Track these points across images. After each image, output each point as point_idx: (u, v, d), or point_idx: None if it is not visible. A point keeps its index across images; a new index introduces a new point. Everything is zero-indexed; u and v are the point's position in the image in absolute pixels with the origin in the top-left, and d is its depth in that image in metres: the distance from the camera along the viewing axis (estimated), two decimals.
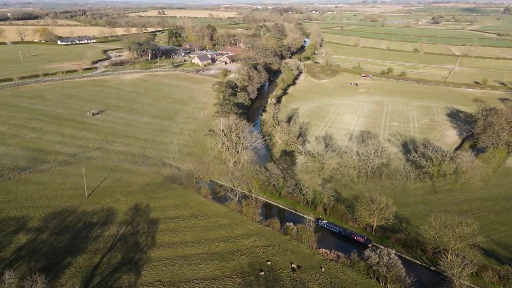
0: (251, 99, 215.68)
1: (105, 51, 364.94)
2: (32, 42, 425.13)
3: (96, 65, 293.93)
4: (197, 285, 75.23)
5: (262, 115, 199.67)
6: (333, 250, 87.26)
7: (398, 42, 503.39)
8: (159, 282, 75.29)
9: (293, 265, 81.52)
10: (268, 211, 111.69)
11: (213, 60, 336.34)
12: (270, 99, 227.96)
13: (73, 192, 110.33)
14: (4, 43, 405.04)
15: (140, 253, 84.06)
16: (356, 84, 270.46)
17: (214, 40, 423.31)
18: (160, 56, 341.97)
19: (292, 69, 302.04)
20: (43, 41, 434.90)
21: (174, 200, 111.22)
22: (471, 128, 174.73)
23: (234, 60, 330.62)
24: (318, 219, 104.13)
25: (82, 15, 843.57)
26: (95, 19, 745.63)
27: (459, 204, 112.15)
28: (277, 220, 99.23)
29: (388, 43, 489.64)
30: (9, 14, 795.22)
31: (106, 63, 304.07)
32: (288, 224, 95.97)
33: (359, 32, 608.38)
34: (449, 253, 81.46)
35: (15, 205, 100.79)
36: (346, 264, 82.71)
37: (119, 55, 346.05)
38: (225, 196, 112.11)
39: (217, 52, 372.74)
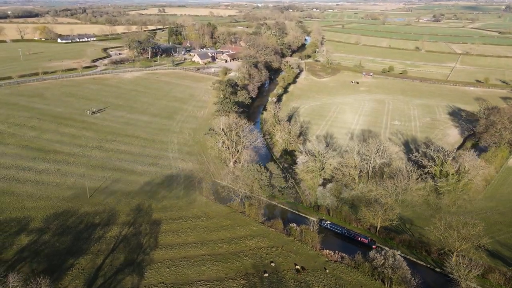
0: (251, 97, 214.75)
1: (105, 49, 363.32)
2: (32, 40, 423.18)
3: (96, 64, 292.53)
4: (200, 286, 74.75)
5: (262, 113, 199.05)
6: (337, 251, 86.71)
7: (399, 40, 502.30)
8: (162, 284, 74.79)
9: (297, 267, 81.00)
10: (270, 211, 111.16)
11: (214, 58, 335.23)
12: (270, 97, 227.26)
13: (74, 192, 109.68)
14: (4, 41, 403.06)
15: (143, 254, 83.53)
16: (357, 83, 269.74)
17: (215, 38, 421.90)
18: (161, 54, 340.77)
19: (292, 68, 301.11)
20: (43, 39, 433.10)
21: (175, 200, 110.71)
22: (473, 127, 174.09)
23: (235, 58, 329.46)
24: (321, 220, 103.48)
25: (83, 13, 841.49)
26: (95, 17, 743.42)
27: (462, 205, 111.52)
28: (280, 221, 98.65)
29: (389, 41, 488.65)
30: (9, 12, 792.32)
31: (106, 61, 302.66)
32: (291, 225, 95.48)
33: (360, 30, 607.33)
34: (454, 254, 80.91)
35: (16, 206, 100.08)
36: (350, 266, 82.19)
37: (119, 53, 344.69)
38: (227, 196, 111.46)
39: (218, 50, 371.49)
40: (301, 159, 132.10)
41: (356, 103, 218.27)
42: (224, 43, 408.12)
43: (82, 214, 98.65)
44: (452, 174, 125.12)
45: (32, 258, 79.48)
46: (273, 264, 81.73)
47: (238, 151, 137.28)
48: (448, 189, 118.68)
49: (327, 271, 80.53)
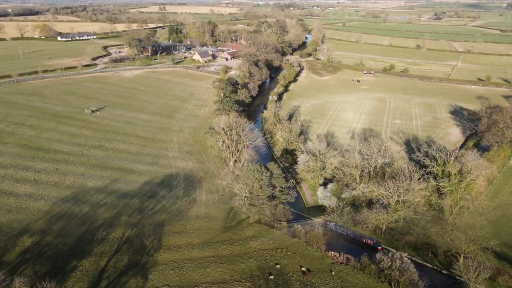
0: (252, 96, 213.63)
1: (105, 47, 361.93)
2: (32, 38, 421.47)
3: (96, 62, 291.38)
4: None
5: (263, 112, 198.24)
6: (342, 253, 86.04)
7: (400, 38, 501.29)
8: (167, 286, 74.03)
9: (303, 269, 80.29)
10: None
11: (214, 57, 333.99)
12: (271, 96, 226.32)
13: (73, 192, 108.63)
14: (4, 39, 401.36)
15: (146, 256, 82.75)
16: (358, 81, 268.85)
17: (215, 36, 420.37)
18: (161, 53, 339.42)
19: (293, 66, 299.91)
20: (43, 37, 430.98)
21: (176, 200, 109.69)
22: (475, 126, 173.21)
23: (235, 57, 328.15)
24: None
25: (83, 11, 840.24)
26: (95, 15, 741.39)
27: (465, 205, 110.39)
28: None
29: (390, 39, 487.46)
30: (9, 10, 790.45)
31: (106, 59, 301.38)
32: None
33: (361, 28, 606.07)
34: (462, 256, 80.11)
35: (16, 206, 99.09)
36: (356, 268, 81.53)
37: (119, 52, 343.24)
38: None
39: (218, 48, 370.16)
40: (301, 158, 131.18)
41: (357, 101, 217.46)
42: (224, 41, 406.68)
43: (84, 215, 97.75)
44: (455, 174, 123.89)
45: (35, 260, 78.63)
46: (278, 266, 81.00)
47: (238, 151, 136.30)
48: (450, 189, 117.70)
49: (333, 273, 79.88)
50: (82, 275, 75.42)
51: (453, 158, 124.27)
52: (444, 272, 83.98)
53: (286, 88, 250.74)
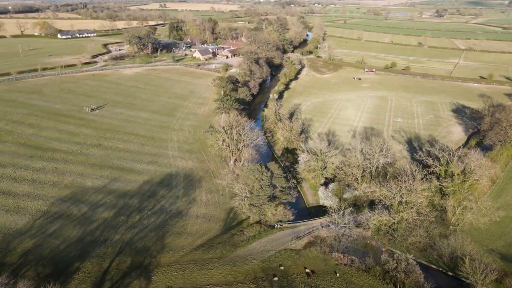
0: (252, 94, 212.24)
1: (105, 45, 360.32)
2: (32, 36, 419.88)
3: (96, 59, 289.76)
4: None
5: (263, 111, 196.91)
6: (346, 254, 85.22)
7: (401, 35, 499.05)
8: None
9: (307, 270, 79.43)
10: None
11: (214, 54, 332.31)
12: (272, 94, 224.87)
13: (71, 191, 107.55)
14: (4, 37, 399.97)
15: (149, 257, 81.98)
16: (359, 79, 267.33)
17: (216, 33, 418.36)
18: (161, 50, 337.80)
19: (294, 64, 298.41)
20: (43, 34, 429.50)
21: (176, 200, 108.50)
22: (477, 125, 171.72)
23: (236, 54, 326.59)
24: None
25: (83, 8, 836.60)
26: (96, 12, 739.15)
27: (468, 206, 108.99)
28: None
29: (391, 37, 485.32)
30: (10, 7, 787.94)
31: (106, 57, 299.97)
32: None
33: (362, 26, 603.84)
34: (468, 258, 78.82)
35: (15, 206, 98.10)
36: (361, 269, 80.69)
37: (119, 49, 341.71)
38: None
39: (219, 46, 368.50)
40: (302, 157, 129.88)
41: (358, 99, 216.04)
42: (225, 39, 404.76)
43: (84, 215, 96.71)
44: (458, 174, 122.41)
45: (37, 261, 77.83)
46: (282, 268, 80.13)
47: (238, 150, 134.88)
48: (453, 189, 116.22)
49: (337, 274, 79.09)
50: (85, 277, 74.69)
51: (456, 158, 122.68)
52: (450, 273, 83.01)
53: (287, 86, 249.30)
